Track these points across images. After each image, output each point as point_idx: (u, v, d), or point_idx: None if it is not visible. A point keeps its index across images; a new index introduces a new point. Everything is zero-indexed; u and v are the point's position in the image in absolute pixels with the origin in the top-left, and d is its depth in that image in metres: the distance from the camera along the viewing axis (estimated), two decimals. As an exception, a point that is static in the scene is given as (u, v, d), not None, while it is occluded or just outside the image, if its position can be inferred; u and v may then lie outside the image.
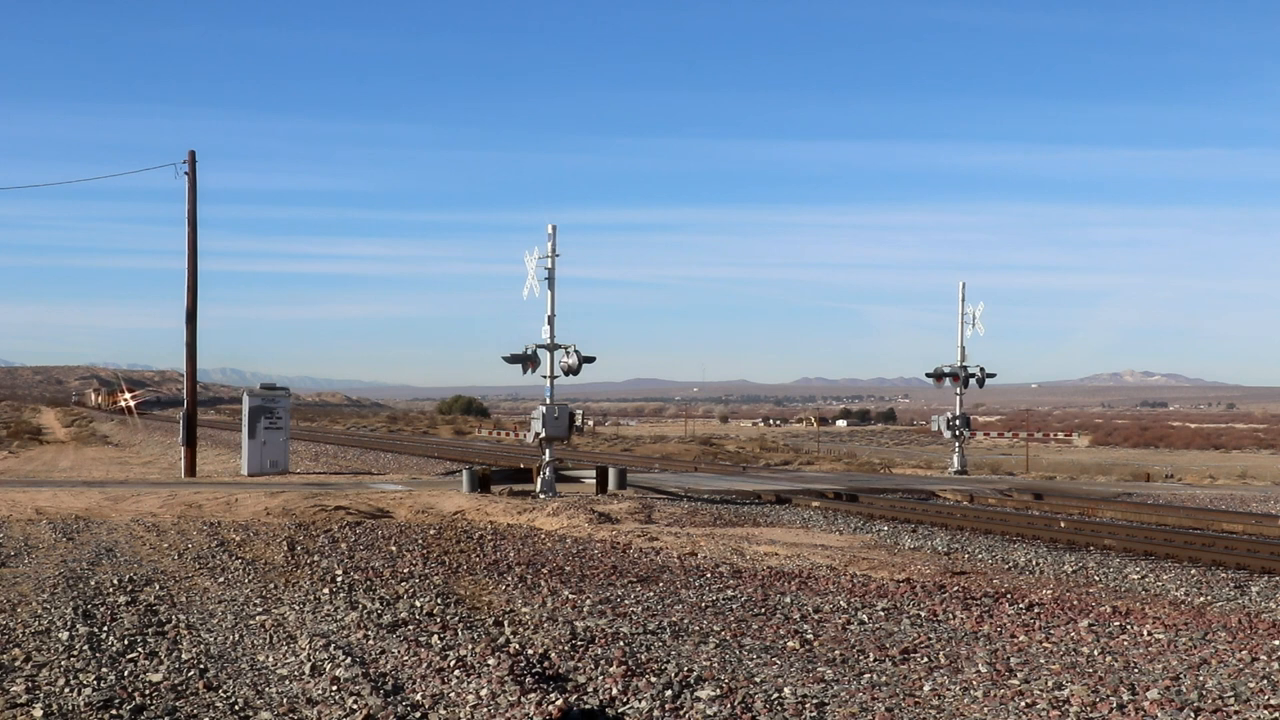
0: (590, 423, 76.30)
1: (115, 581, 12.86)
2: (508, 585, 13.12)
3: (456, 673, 8.58)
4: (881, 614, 11.47)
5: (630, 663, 9.02)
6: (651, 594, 12.57)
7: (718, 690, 8.23)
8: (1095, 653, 9.79)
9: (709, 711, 7.73)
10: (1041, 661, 9.42)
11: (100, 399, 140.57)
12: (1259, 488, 35.60)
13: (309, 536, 17.90)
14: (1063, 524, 21.74)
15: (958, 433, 38.99)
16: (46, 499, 22.52)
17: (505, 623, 10.73)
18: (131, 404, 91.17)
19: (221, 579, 13.35)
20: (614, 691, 8.16)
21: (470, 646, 9.44)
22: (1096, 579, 14.93)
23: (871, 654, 9.63)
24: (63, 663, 8.89)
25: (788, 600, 12.23)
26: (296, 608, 11.47)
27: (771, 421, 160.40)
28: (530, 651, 9.36)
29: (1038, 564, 16.33)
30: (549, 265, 25.62)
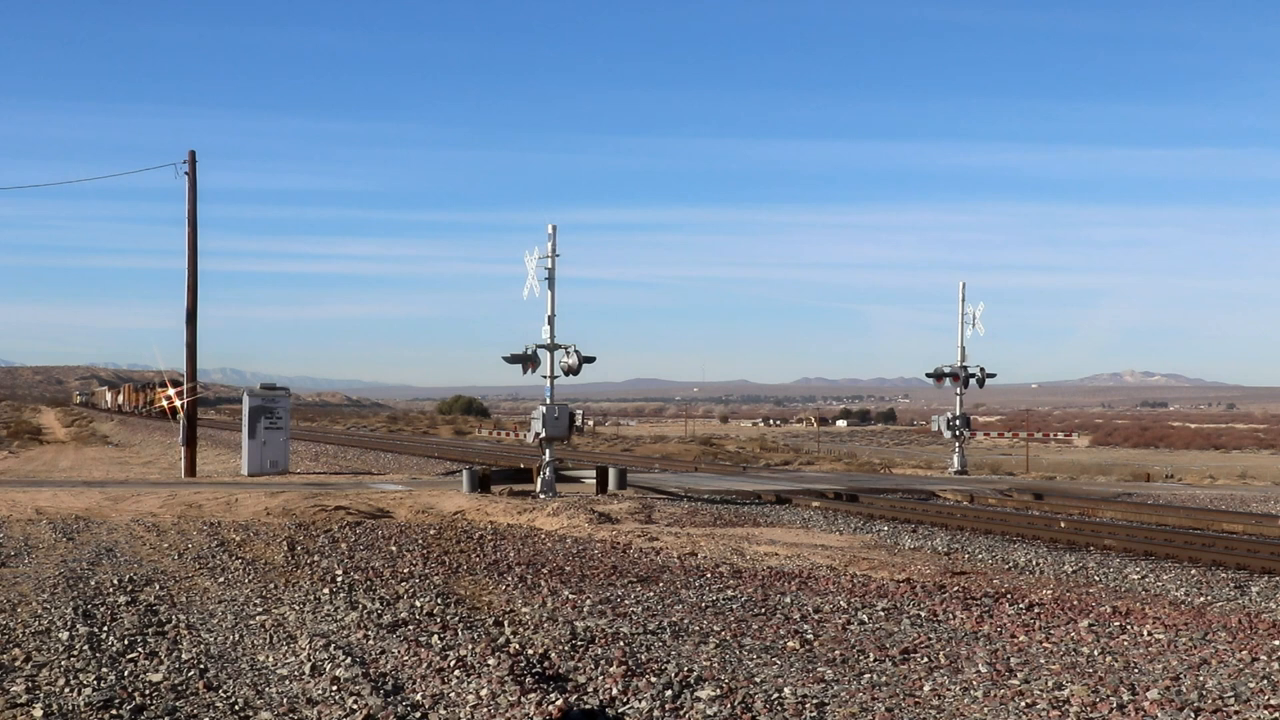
0: (590, 423, 76.33)
1: (115, 581, 12.85)
2: (508, 585, 13.11)
3: (456, 673, 8.58)
4: (881, 614, 11.47)
5: (630, 663, 9.02)
6: (651, 594, 12.57)
7: (718, 690, 8.22)
8: (1095, 653, 9.79)
9: (709, 711, 7.73)
10: (1041, 661, 9.42)
11: (125, 398, 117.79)
12: (1259, 488, 35.61)
13: (309, 536, 17.89)
14: (1063, 524, 21.74)
15: (958, 433, 38.99)
16: (46, 499, 22.52)
17: (505, 623, 10.73)
18: (177, 404, 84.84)
19: (221, 579, 13.35)
20: (614, 691, 8.16)
21: (470, 646, 9.43)
22: (1096, 579, 14.93)
23: (871, 654, 9.63)
24: (63, 663, 8.88)
25: (788, 600, 12.23)
26: (296, 608, 11.47)
27: (771, 421, 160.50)
28: (530, 651, 9.35)
29: (1038, 564, 16.33)
30: (549, 265, 25.64)
